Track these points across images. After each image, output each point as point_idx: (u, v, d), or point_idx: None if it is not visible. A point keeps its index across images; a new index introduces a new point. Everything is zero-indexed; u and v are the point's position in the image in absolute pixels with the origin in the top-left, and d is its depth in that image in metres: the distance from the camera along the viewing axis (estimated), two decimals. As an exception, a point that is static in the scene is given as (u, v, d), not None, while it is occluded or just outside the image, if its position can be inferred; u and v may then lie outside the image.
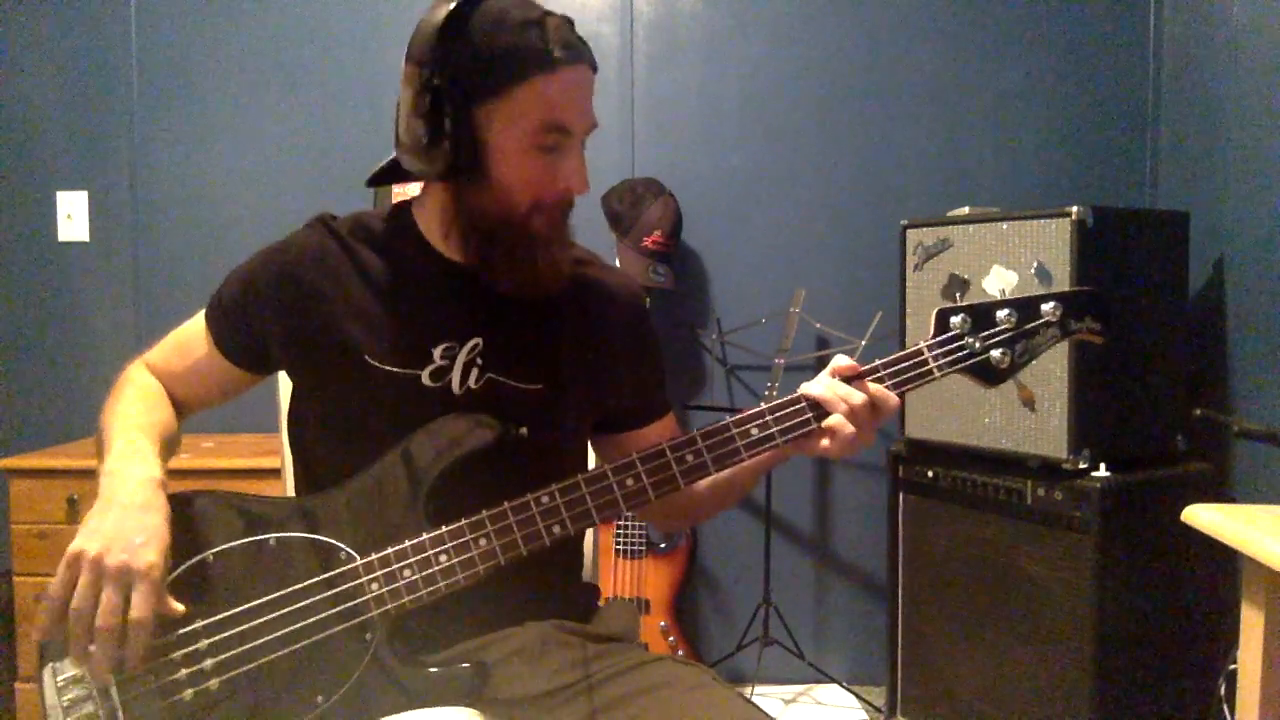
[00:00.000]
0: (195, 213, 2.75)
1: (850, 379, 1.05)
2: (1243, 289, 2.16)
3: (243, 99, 2.74)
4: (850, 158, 2.70)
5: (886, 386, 1.06)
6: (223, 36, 2.74)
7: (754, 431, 1.05)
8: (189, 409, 1.25)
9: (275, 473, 1.63)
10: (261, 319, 1.17)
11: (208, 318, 1.21)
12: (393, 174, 1.17)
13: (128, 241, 2.76)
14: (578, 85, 1.07)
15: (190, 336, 1.22)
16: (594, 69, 1.09)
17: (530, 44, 1.03)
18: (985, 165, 2.67)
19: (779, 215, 2.72)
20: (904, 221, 2.24)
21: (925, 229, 2.19)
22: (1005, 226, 2.03)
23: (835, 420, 1.03)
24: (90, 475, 2.48)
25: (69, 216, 2.75)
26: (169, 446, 1.14)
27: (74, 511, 2.28)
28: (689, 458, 1.04)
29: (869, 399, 1.04)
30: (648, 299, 1.30)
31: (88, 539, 0.97)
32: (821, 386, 1.04)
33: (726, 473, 1.08)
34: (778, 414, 1.05)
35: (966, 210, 2.23)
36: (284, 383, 1.58)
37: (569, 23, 1.07)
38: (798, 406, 1.05)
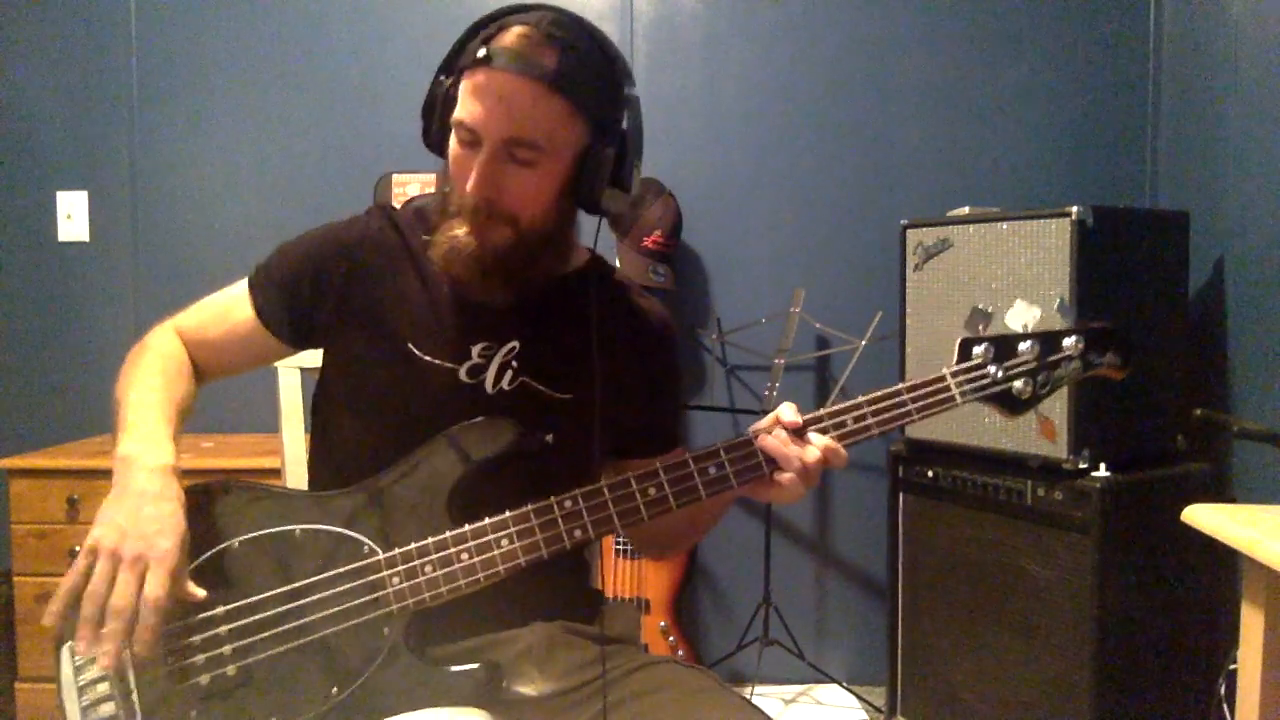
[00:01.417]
0: (195, 213, 2.75)
1: (800, 431, 1.04)
2: (1243, 289, 2.16)
3: (242, 99, 2.74)
4: (850, 158, 2.70)
5: (891, 413, 1.06)
6: (222, 36, 2.74)
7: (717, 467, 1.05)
8: (214, 375, 1.25)
9: (275, 473, 1.63)
10: (315, 293, 1.19)
11: (252, 287, 1.22)
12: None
13: (128, 241, 2.76)
14: (495, 90, 1.05)
15: (230, 304, 1.23)
16: (543, 82, 1.05)
17: (473, 41, 1.08)
18: (985, 165, 2.67)
19: (779, 215, 2.72)
20: (904, 221, 2.24)
21: (925, 229, 2.19)
22: (1005, 226, 2.03)
23: (787, 477, 1.03)
24: (90, 475, 2.48)
25: (69, 216, 2.75)
26: (184, 418, 1.15)
27: (74, 511, 2.27)
28: (711, 470, 1.05)
29: (822, 456, 1.03)
30: (675, 329, 1.31)
31: (104, 529, 0.99)
32: (776, 442, 1.04)
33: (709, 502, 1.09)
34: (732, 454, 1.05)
35: (966, 210, 2.23)
36: (285, 381, 1.59)
37: (538, 34, 1.05)
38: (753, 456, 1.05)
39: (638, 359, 1.23)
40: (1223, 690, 1.64)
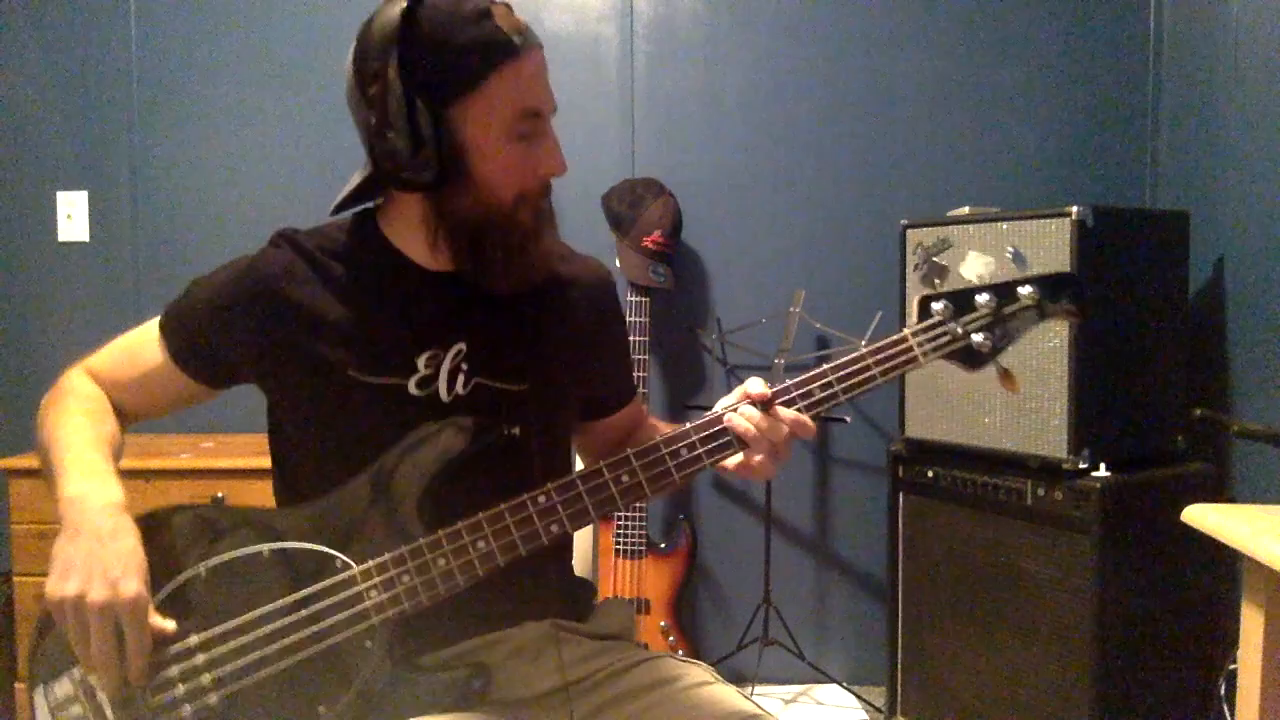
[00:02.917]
0: (195, 213, 2.75)
1: (767, 404, 1.03)
2: (1243, 289, 2.16)
3: (243, 99, 2.74)
4: (850, 158, 2.70)
5: (851, 380, 1.05)
6: (223, 36, 2.74)
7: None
8: (134, 418, 1.21)
9: (275, 473, 1.63)
10: (231, 338, 1.14)
11: (164, 329, 1.17)
12: (360, 197, 1.17)
13: (128, 241, 2.76)
14: (540, 67, 1.09)
15: (141, 345, 1.18)
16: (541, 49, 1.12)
17: (491, 34, 1.04)
18: (985, 165, 2.67)
19: (779, 215, 2.72)
20: (904, 221, 2.24)
21: (925, 229, 2.19)
22: (1005, 226, 2.03)
23: (758, 458, 1.03)
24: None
25: (69, 216, 2.75)
26: (117, 458, 1.11)
27: (74, 511, 2.27)
28: (683, 452, 1.04)
29: (790, 431, 1.03)
30: (614, 281, 1.31)
31: (63, 578, 0.95)
32: (744, 422, 1.03)
33: None
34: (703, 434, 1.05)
35: (966, 210, 2.23)
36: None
37: (510, 8, 1.09)
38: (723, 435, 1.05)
39: (587, 324, 1.22)
40: (1223, 690, 1.65)
